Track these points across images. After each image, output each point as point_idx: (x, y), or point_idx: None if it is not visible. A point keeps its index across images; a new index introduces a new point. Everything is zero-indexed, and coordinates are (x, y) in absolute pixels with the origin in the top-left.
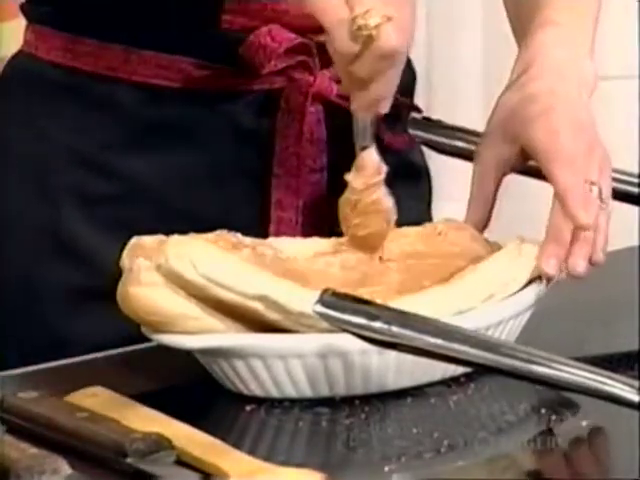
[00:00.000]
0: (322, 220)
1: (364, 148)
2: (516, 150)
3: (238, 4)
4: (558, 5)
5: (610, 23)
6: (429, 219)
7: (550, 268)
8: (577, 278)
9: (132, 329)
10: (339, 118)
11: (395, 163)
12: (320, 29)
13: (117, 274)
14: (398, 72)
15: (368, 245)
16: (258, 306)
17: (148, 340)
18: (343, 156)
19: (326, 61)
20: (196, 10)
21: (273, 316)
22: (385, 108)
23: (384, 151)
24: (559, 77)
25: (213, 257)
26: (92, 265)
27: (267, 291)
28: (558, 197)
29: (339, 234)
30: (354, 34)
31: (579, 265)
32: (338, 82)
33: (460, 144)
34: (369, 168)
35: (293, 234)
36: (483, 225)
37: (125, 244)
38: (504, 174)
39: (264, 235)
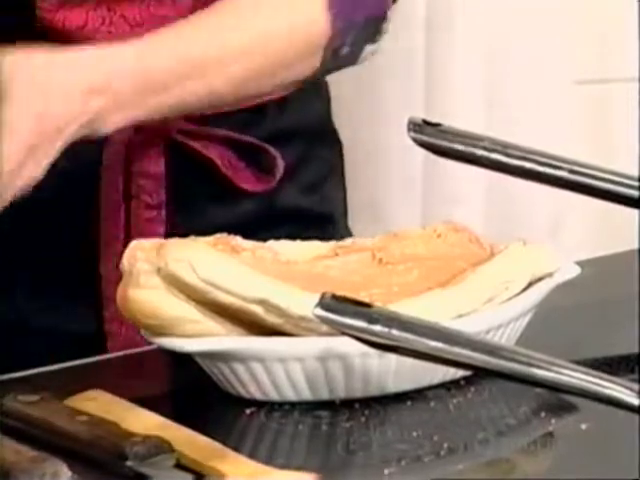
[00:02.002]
0: None
1: None
2: None
3: (58, 34)
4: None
5: (610, 25)
6: None
7: None
8: None
9: None
10: (181, 154)
11: (267, 207)
12: None
13: None
14: None
15: None
16: (258, 309)
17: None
18: (186, 192)
19: None
20: (25, 34)
21: (273, 319)
22: None
23: (248, 193)
24: None
25: (213, 260)
26: None
27: (267, 295)
28: None
29: None
30: None
31: None
32: (182, 119)
33: (460, 147)
34: None
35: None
36: None
37: None
38: None
39: (92, 270)
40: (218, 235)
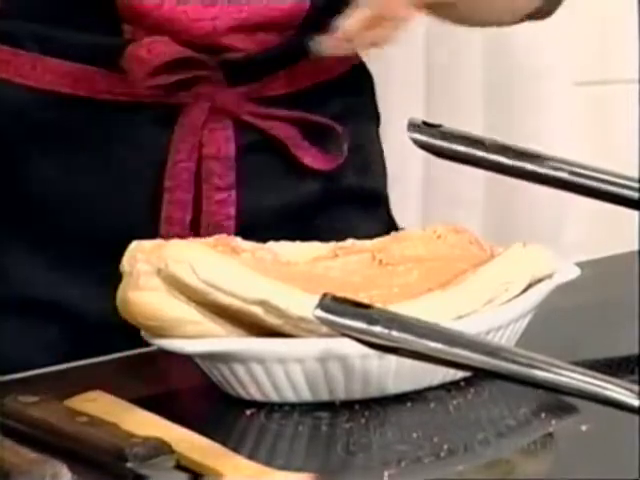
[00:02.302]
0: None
1: None
2: None
3: (135, 15)
4: None
5: (610, 27)
6: None
7: None
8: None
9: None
10: (251, 136)
11: (330, 188)
12: (224, 47)
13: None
14: None
15: None
16: (258, 311)
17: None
18: (255, 174)
19: (240, 79)
20: (99, 19)
21: (273, 321)
22: None
23: (313, 173)
24: None
25: (213, 262)
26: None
27: (267, 296)
28: None
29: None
30: None
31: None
32: (253, 100)
33: (460, 148)
34: None
35: None
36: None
37: (31, 255)
38: None
39: None
40: (218, 236)
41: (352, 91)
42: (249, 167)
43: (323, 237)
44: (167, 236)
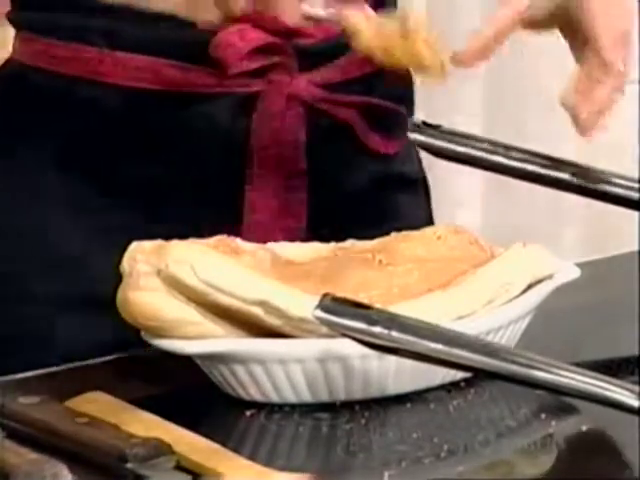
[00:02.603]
0: (300, 223)
1: None
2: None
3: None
4: None
5: None
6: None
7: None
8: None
9: (120, 335)
10: (319, 121)
11: (386, 172)
12: (296, 32)
13: (107, 280)
14: None
15: None
16: (258, 311)
17: (132, 346)
18: (325, 160)
19: (307, 65)
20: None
21: (273, 321)
22: None
23: (372, 158)
24: None
25: (213, 262)
26: (77, 272)
27: (267, 296)
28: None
29: (321, 236)
30: None
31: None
32: (319, 86)
33: (460, 149)
34: None
35: (267, 237)
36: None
37: (109, 250)
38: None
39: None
40: (219, 237)
41: (396, 78)
42: (318, 153)
43: (375, 222)
44: (251, 223)
